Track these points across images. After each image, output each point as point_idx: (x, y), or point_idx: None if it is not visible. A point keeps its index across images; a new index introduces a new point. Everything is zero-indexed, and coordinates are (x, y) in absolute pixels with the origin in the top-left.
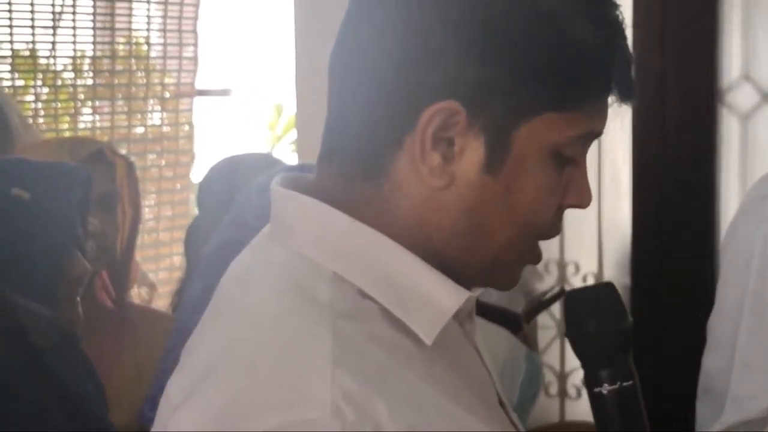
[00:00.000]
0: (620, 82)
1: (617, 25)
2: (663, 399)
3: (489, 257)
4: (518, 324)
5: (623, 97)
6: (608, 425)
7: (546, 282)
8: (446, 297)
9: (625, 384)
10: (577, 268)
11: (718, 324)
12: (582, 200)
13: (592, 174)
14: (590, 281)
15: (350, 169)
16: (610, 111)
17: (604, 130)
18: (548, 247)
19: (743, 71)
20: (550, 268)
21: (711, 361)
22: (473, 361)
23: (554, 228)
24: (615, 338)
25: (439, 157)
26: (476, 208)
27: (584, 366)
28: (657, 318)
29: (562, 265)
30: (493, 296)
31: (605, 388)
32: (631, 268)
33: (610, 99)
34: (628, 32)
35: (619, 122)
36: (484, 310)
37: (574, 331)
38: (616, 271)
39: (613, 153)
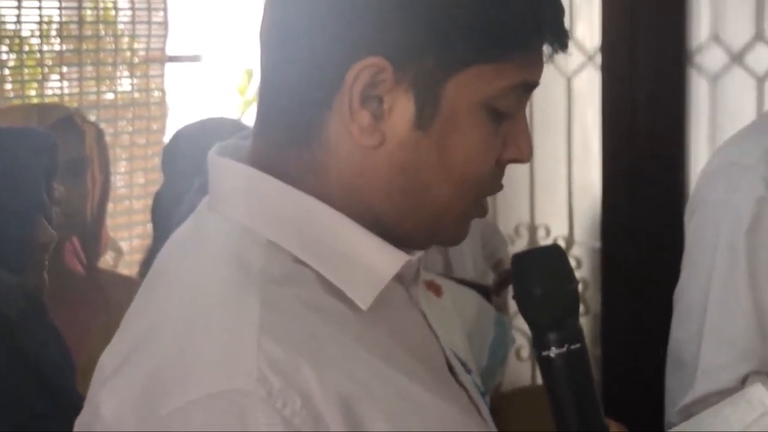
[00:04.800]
0: (551, 29)
1: None
2: (633, 363)
3: (429, 216)
4: (488, 297)
5: (556, 46)
6: (557, 388)
7: (517, 246)
8: (384, 261)
9: (573, 347)
10: (548, 232)
11: (685, 294)
12: (521, 154)
13: (562, 138)
14: (561, 245)
15: (283, 135)
16: (582, 74)
17: (578, 93)
18: (519, 211)
19: (712, 32)
20: (520, 231)
21: (680, 332)
22: (418, 325)
23: (494, 184)
24: (562, 301)
25: (369, 115)
26: (410, 166)
27: (532, 329)
28: (627, 281)
29: (532, 229)
30: (469, 270)
31: (553, 352)
32: (602, 231)
33: (545, 48)
34: None
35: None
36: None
37: (521, 294)
38: (587, 235)
39: (582, 116)
